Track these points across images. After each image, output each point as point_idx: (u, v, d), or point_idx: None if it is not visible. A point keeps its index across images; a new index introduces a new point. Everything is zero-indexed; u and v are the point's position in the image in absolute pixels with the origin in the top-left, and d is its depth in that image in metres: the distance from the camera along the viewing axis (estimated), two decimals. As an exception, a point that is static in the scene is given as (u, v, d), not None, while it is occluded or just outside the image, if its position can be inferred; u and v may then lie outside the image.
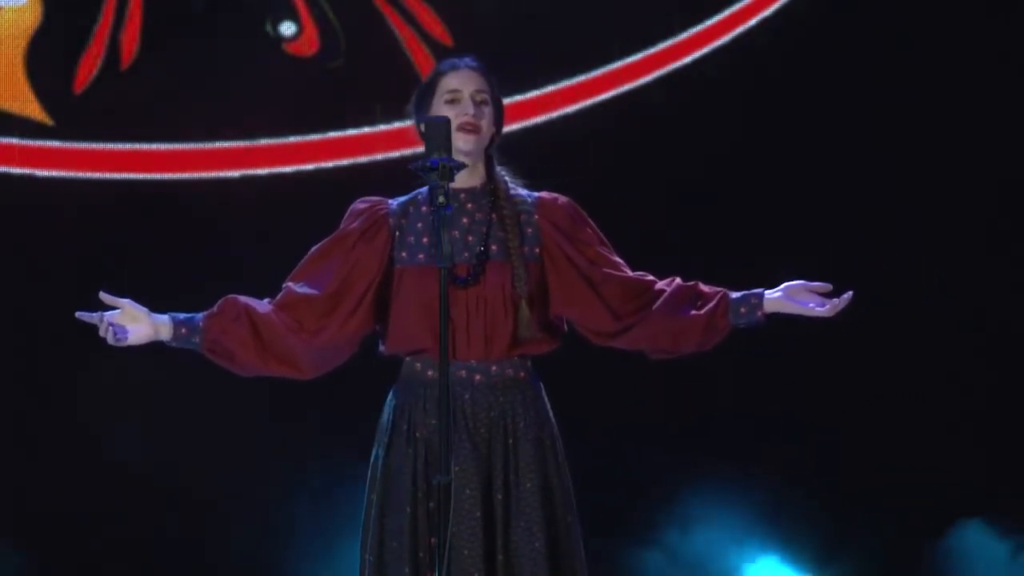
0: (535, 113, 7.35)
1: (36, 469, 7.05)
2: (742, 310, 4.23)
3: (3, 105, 7.23)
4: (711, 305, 4.23)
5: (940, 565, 7.27)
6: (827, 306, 4.21)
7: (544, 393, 4.25)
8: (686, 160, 7.26)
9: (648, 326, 4.24)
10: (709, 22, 7.54)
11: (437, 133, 3.92)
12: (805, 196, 7.26)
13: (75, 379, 6.92)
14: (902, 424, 7.26)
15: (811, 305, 4.21)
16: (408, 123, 4.39)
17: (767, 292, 4.25)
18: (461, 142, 4.14)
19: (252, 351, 4.17)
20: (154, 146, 7.29)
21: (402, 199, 4.32)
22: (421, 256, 4.20)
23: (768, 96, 7.38)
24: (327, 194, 6.82)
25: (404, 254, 4.22)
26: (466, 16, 7.36)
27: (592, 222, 4.33)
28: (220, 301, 4.20)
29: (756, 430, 7.14)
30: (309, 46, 7.39)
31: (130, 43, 7.28)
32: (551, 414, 4.25)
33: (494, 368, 4.18)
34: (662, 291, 4.25)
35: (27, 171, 7.20)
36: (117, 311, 4.14)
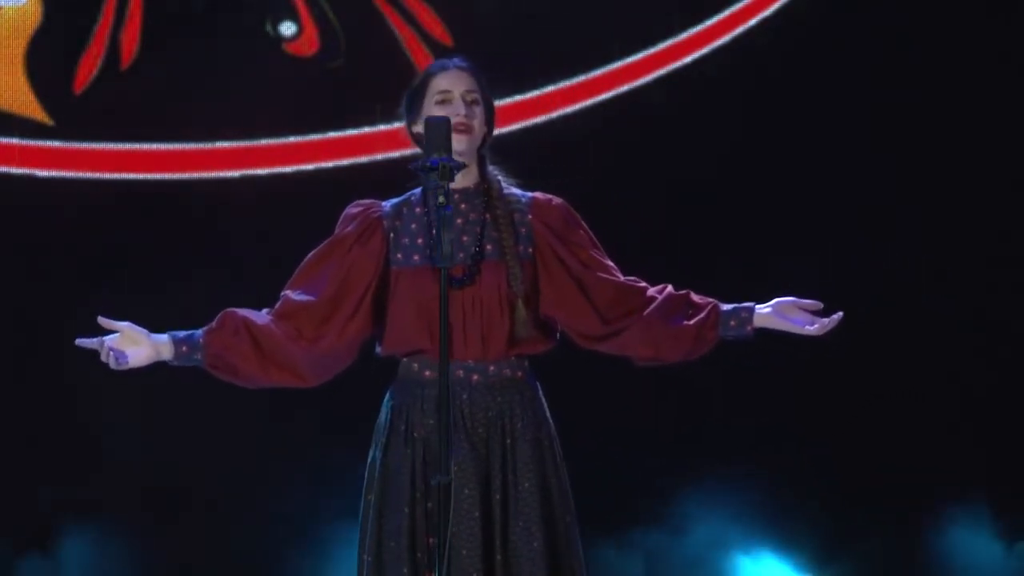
0: (535, 113, 7.35)
1: (36, 469, 7.05)
2: (731, 323, 4.22)
3: (3, 105, 7.23)
4: (701, 316, 4.22)
5: (939, 565, 7.27)
6: (816, 325, 4.21)
7: (541, 393, 4.25)
8: (686, 160, 7.27)
9: (636, 332, 4.23)
10: (709, 22, 7.54)
11: (437, 133, 3.92)
12: (805, 196, 7.27)
13: (75, 379, 6.91)
14: (902, 424, 7.26)
15: (800, 323, 4.21)
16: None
17: (757, 307, 4.23)
18: (454, 143, 4.13)
19: (254, 363, 4.17)
20: (154, 146, 7.29)
21: (395, 201, 4.31)
22: (416, 257, 4.20)
23: (768, 96, 7.38)
24: (327, 194, 6.82)
25: (399, 256, 4.22)
26: (466, 16, 7.36)
27: (585, 224, 4.32)
28: (219, 316, 4.19)
29: (756, 430, 7.15)
30: (309, 46, 7.39)
31: (130, 43, 7.28)
32: (548, 414, 4.24)
33: (492, 368, 4.18)
34: (652, 298, 4.24)
35: (27, 171, 7.20)
36: (116, 335, 4.14)
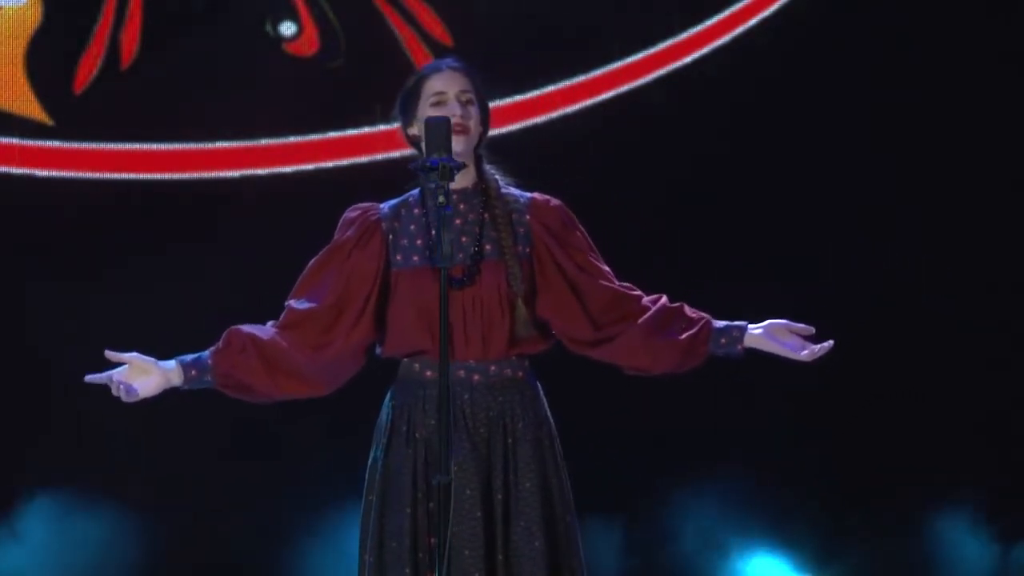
0: (535, 113, 7.35)
1: (36, 469, 7.05)
2: (722, 340, 4.22)
3: (3, 105, 7.23)
4: (693, 331, 4.22)
5: (938, 565, 7.27)
6: (806, 352, 4.22)
7: (542, 393, 4.25)
8: (686, 160, 7.27)
9: (627, 340, 4.22)
10: (709, 22, 7.54)
11: (437, 133, 3.92)
12: (805, 196, 7.27)
13: (75, 379, 6.91)
14: (901, 424, 7.26)
15: (791, 347, 4.21)
16: (408, 125, 4.38)
17: (750, 326, 4.23)
18: (452, 143, 4.13)
19: (264, 378, 4.17)
20: (154, 146, 7.29)
21: (393, 202, 4.30)
22: (415, 258, 4.20)
23: (768, 96, 7.38)
24: (327, 194, 6.83)
25: (399, 257, 4.21)
26: (466, 16, 7.36)
27: (582, 227, 4.31)
28: (224, 335, 4.18)
29: (755, 430, 7.14)
30: (309, 46, 7.39)
31: (130, 43, 7.29)
32: (549, 414, 4.24)
33: (492, 368, 4.18)
34: (646, 307, 4.23)
35: (27, 171, 7.20)
36: (124, 367, 4.14)
